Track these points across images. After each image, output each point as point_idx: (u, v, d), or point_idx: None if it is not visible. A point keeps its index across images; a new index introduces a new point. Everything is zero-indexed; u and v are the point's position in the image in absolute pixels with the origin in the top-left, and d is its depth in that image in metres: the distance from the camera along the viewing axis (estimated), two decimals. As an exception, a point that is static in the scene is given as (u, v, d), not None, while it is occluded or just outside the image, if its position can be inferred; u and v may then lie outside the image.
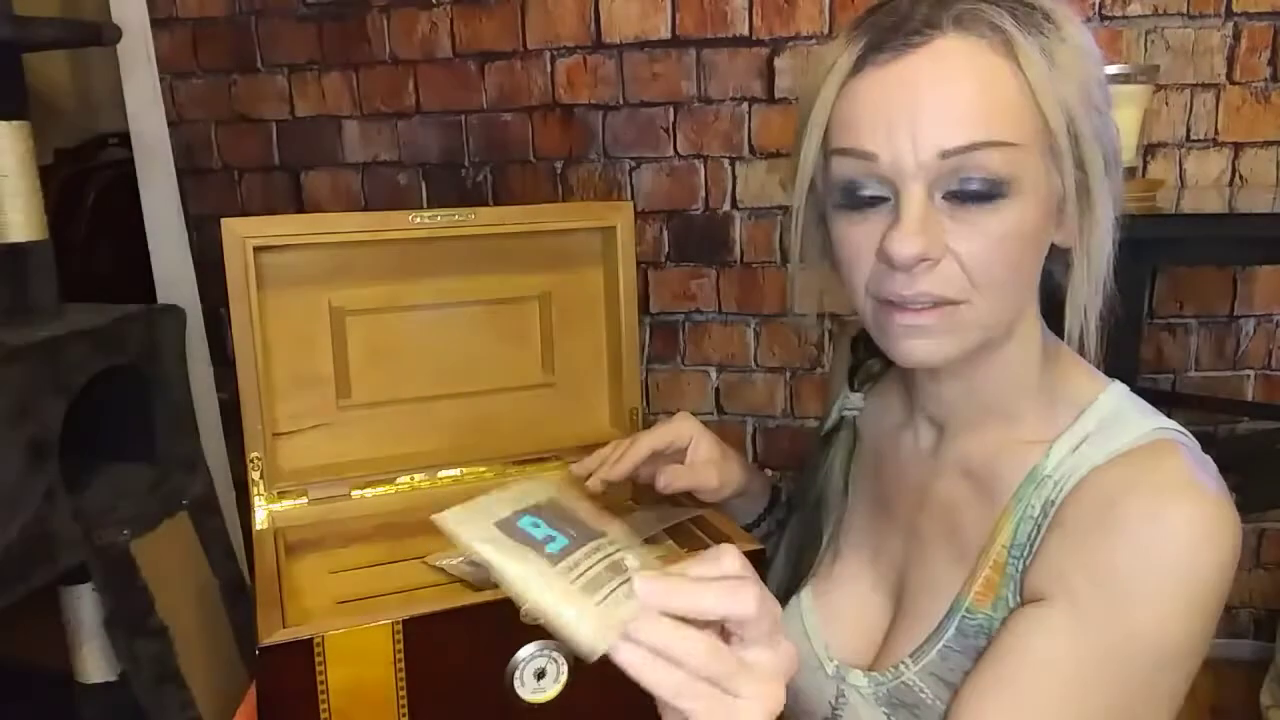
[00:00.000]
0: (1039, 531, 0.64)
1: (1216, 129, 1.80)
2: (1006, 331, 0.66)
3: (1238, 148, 1.80)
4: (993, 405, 0.70)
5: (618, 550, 0.49)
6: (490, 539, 0.47)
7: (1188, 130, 1.81)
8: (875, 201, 0.63)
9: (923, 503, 0.74)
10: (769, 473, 0.93)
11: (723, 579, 0.47)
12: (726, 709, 0.45)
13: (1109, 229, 0.64)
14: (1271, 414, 1.87)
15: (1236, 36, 1.75)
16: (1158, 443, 0.63)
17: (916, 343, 0.63)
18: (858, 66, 0.62)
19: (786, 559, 0.85)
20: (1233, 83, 1.77)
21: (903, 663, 0.69)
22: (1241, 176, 1.81)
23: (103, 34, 1.50)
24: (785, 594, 0.81)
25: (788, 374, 2.05)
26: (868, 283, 0.64)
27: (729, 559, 0.48)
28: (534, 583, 0.45)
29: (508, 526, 0.48)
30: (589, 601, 0.45)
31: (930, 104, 0.59)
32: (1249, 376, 1.89)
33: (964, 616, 0.67)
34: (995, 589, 0.66)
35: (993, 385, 0.69)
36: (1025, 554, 0.65)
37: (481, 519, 0.48)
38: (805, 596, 0.80)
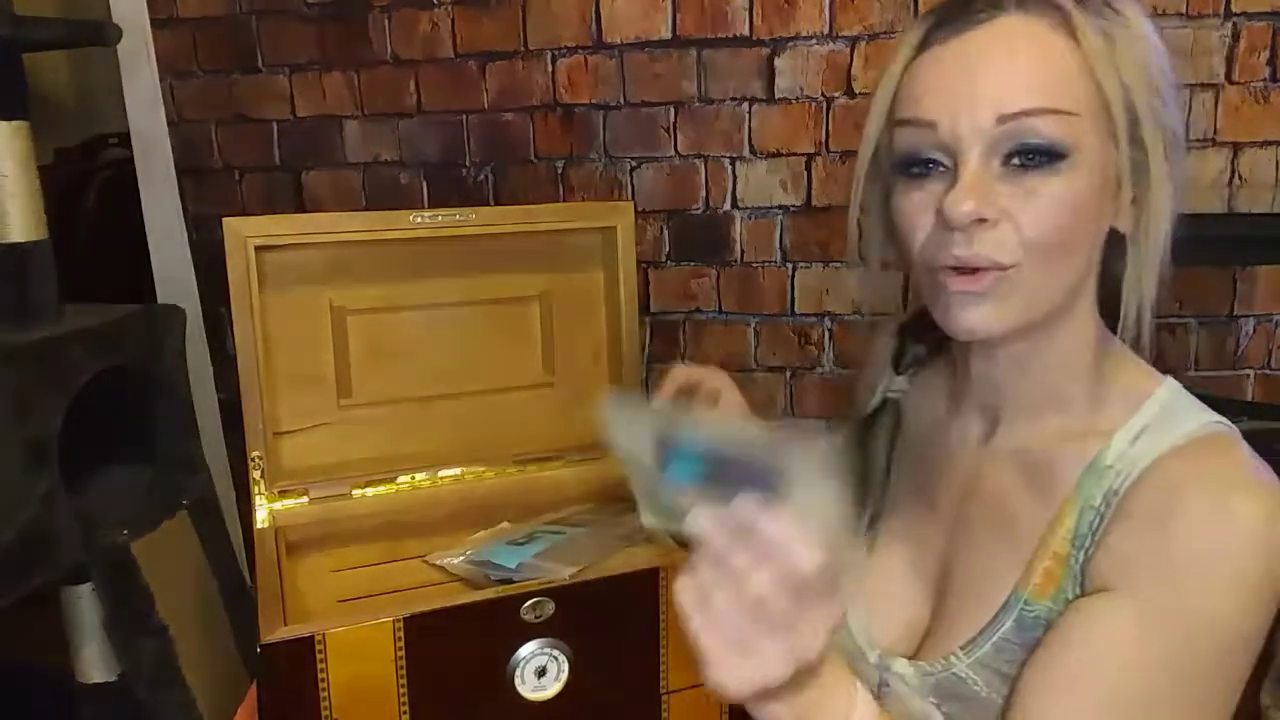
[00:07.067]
0: (1101, 521, 0.65)
1: (1215, 129, 1.80)
2: (1058, 311, 0.67)
3: (1237, 147, 1.80)
4: (1046, 392, 0.70)
5: None
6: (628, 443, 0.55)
7: (1187, 130, 1.80)
8: (933, 168, 0.65)
9: (971, 493, 0.74)
10: None
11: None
12: (764, 646, 0.49)
13: (1167, 214, 0.65)
14: (1271, 414, 1.87)
15: (1235, 36, 1.75)
16: (1214, 436, 0.65)
17: (972, 311, 0.64)
18: (924, 44, 0.65)
19: None
20: (1232, 83, 1.77)
21: (953, 654, 0.69)
22: (1241, 176, 1.81)
23: (103, 34, 1.50)
24: None
25: (788, 374, 2.05)
26: (924, 249, 0.66)
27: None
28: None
29: (657, 449, 0.54)
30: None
31: (989, 72, 0.62)
32: (1249, 376, 1.89)
33: (1023, 609, 0.67)
34: (1056, 580, 0.66)
35: (1046, 370, 0.70)
36: (1087, 544, 0.65)
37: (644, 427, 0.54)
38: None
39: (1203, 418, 0.66)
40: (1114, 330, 0.69)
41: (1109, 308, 0.69)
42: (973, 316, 0.64)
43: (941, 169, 0.64)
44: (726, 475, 0.51)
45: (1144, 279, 0.66)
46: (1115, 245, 0.67)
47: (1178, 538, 0.60)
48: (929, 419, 0.81)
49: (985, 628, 0.68)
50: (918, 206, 0.65)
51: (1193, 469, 0.63)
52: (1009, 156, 0.62)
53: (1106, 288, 0.69)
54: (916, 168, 0.65)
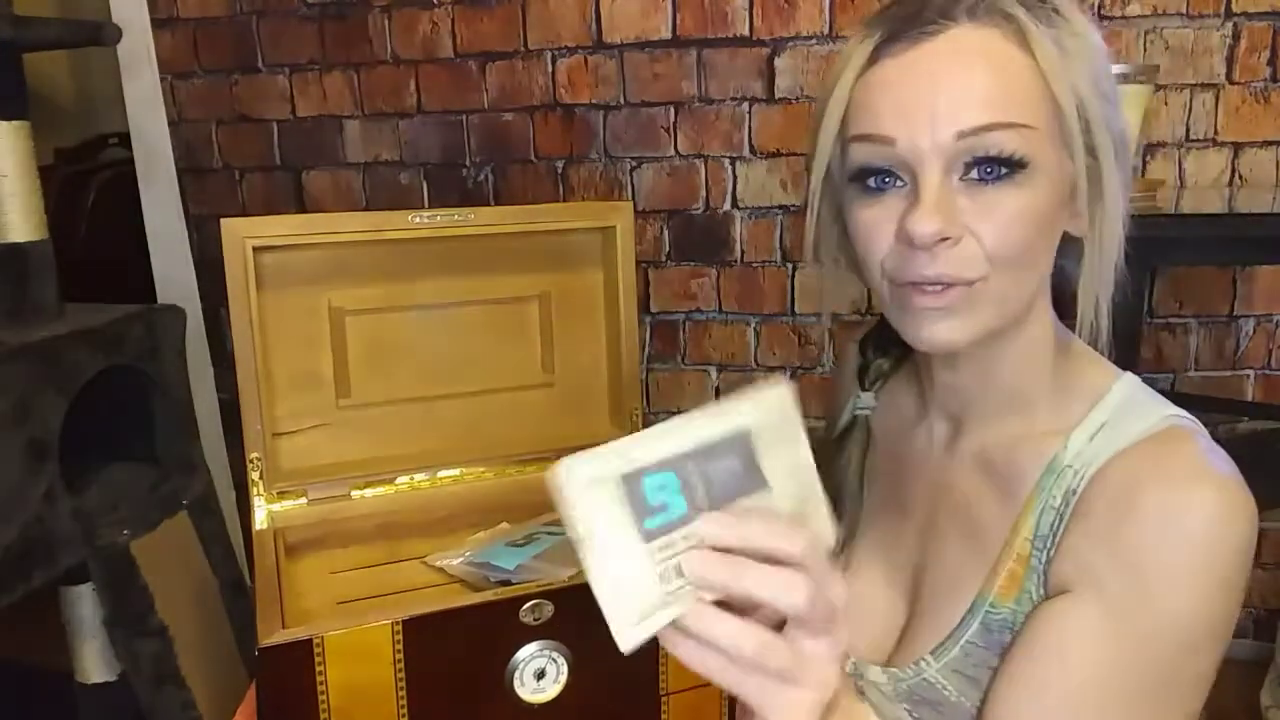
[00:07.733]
0: (1061, 522, 0.64)
1: (1216, 129, 1.80)
2: (1019, 318, 0.67)
3: (1237, 147, 1.80)
4: (1009, 396, 0.70)
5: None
6: (589, 503, 0.45)
7: (1187, 130, 1.81)
8: (891, 184, 0.64)
9: (939, 499, 0.74)
10: None
11: (779, 567, 0.47)
12: (780, 695, 0.48)
13: (1120, 217, 0.65)
14: (1271, 414, 1.87)
15: (1236, 36, 1.75)
16: (1171, 430, 0.64)
17: (939, 325, 0.63)
18: (874, 57, 0.63)
19: None
20: (1232, 83, 1.77)
21: (923, 660, 0.69)
22: (1241, 176, 1.81)
23: (103, 34, 1.50)
24: None
25: (788, 373, 2.05)
26: (884, 264, 0.65)
27: (799, 542, 0.48)
28: (590, 561, 0.45)
29: (628, 484, 0.45)
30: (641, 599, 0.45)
31: (946, 88, 0.61)
32: (1248, 376, 1.89)
33: (988, 612, 0.67)
34: (1019, 582, 0.66)
35: (1008, 374, 0.69)
36: (1048, 545, 0.65)
37: (607, 470, 0.45)
38: None
39: (1160, 411, 0.65)
40: (1073, 330, 0.69)
41: (1065, 308, 0.69)
42: (939, 330, 0.64)
43: (899, 183, 0.64)
44: (702, 471, 0.47)
45: (1101, 280, 0.66)
46: (1066, 246, 0.67)
47: (1135, 535, 0.60)
48: (898, 428, 0.81)
49: (953, 632, 0.68)
50: (876, 222, 0.65)
51: (1148, 464, 0.62)
52: (968, 169, 0.61)
53: (1060, 288, 0.69)
54: (873, 180, 0.64)
